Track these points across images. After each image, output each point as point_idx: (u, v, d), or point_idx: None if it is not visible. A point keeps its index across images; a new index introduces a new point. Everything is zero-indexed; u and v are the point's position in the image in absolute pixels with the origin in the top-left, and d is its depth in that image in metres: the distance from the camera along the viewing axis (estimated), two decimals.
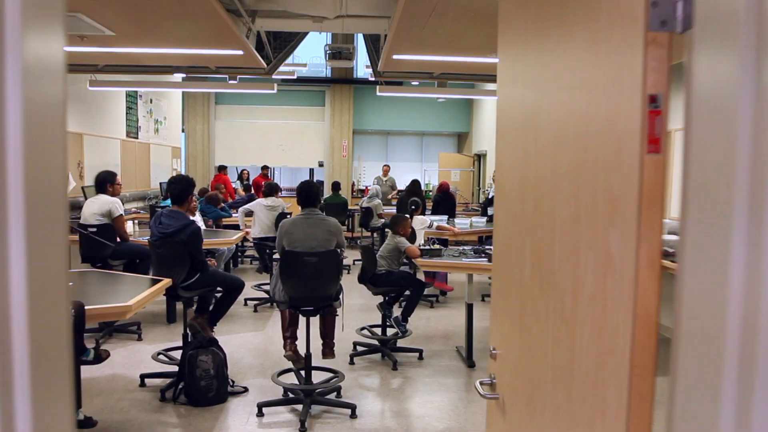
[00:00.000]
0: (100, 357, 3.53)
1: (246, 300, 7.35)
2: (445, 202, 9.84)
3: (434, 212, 9.50)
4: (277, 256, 4.38)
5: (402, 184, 14.98)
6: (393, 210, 11.05)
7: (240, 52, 5.05)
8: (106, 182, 6.17)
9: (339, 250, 4.24)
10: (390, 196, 13.52)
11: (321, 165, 15.77)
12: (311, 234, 4.13)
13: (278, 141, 15.47)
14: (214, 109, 15.44)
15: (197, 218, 7.63)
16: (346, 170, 15.51)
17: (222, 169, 13.07)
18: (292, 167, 16.30)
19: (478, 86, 12.71)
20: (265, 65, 5.85)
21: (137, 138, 10.94)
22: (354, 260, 9.92)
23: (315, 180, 16.33)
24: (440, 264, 5.07)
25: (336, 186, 11.29)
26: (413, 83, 9.55)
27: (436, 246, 5.41)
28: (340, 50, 10.77)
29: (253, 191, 10.99)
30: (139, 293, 3.71)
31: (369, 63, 13.29)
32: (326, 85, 15.44)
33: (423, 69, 6.40)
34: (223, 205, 8.98)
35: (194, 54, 5.00)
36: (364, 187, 16.15)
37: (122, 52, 5.17)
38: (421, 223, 7.33)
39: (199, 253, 4.47)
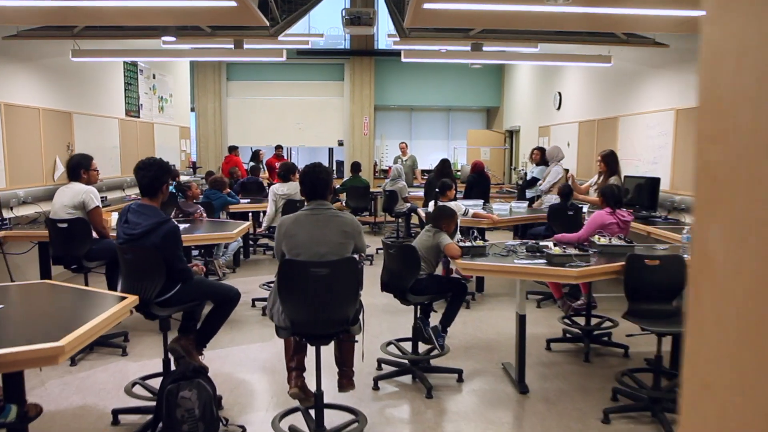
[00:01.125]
0: (26, 415, 2.58)
1: (254, 301, 6.39)
2: (479, 184, 8.74)
3: (467, 195, 8.42)
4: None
5: (427, 164, 13.90)
6: (418, 192, 9.99)
7: (232, 3, 4.01)
8: (79, 167, 5.21)
9: (358, 257, 3.23)
10: (413, 177, 12.45)
11: (341, 144, 14.73)
12: (320, 237, 3.15)
13: (295, 119, 14.44)
14: (225, 86, 14.45)
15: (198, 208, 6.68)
16: (367, 149, 14.46)
17: (233, 149, 12.11)
18: (309, 147, 15.28)
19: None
20: (268, 24, 4.81)
21: (138, 117, 9.99)
22: (377, 249, 8.91)
23: (335, 161, 15.38)
24: (488, 268, 4.00)
25: (356, 167, 10.31)
26: (441, 49, 8.38)
27: (479, 242, 4.35)
28: (359, 15, 9.68)
29: (256, 174, 9.97)
30: (90, 320, 2.74)
31: (391, 30, 12.17)
32: (345, 57, 14.34)
33: (459, 24, 5.28)
34: (229, 190, 8.00)
35: (177, 6, 3.98)
36: (386, 168, 15.08)
37: (89, 5, 4.16)
38: (455, 207, 6.25)
39: (177, 258, 3.49)
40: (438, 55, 7.79)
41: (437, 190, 6.49)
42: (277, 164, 12.06)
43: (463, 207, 6.34)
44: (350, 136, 14.43)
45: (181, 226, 5.64)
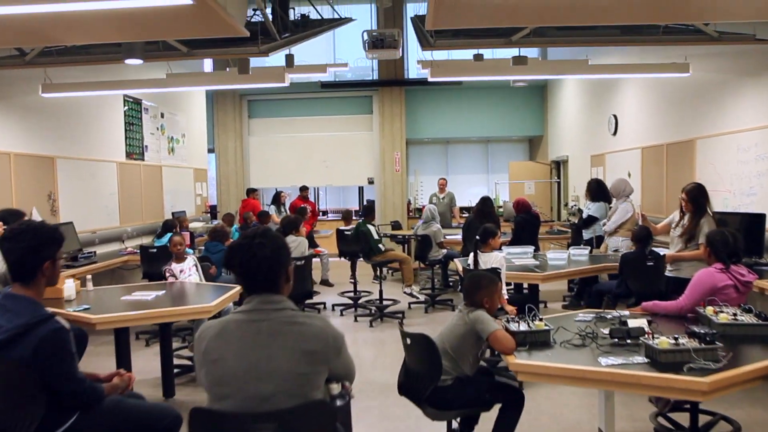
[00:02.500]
0: None
1: None
2: (527, 226, 7.44)
3: (515, 241, 7.12)
4: None
5: (465, 200, 12.62)
6: (456, 236, 8.71)
7: (187, 2, 2.90)
8: None
9: (334, 396, 2.00)
10: (451, 216, 11.19)
11: (371, 182, 13.60)
12: (262, 363, 1.86)
13: (321, 156, 13.40)
14: (247, 124, 13.54)
15: (187, 264, 5.54)
16: (400, 186, 13.28)
17: (252, 192, 11.08)
18: (338, 186, 14.19)
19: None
20: (246, 33, 3.69)
21: (143, 159, 9.04)
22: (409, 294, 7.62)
23: (365, 200, 14.24)
24: (561, 372, 2.59)
25: (367, 210, 8.34)
26: (478, 53, 7.06)
27: (540, 323, 3.01)
28: (382, 37, 8.61)
29: (265, 220, 8.83)
30: None
31: (421, 56, 11.08)
32: (373, 89, 13.29)
33: (494, 21, 4.06)
34: (232, 240, 6.88)
35: (114, 9, 2.92)
36: (421, 206, 13.84)
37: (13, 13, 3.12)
38: (497, 262, 4.95)
39: (63, 377, 2.32)
40: (472, 70, 6.55)
41: (477, 237, 5.21)
42: (302, 205, 11.00)
43: (504, 261, 5.01)
44: (381, 173, 13.29)
45: (151, 295, 4.54)
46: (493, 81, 13.20)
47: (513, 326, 2.98)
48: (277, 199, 11.14)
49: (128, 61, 4.74)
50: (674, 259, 4.88)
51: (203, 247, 6.95)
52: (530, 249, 6.35)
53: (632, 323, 2.92)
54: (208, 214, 11.13)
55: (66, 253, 6.43)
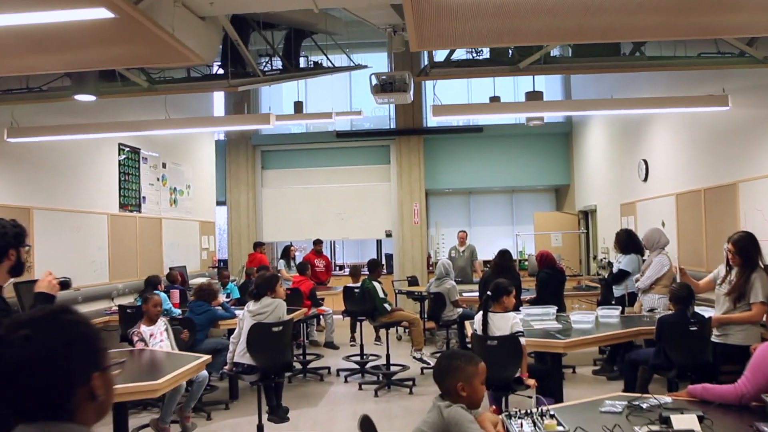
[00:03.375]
0: None
1: None
2: (553, 282, 6.67)
3: (539, 300, 6.35)
4: None
5: (489, 253, 11.83)
6: (477, 293, 7.94)
7: (105, 13, 2.34)
8: None
9: None
10: (473, 271, 10.42)
11: (389, 235, 12.93)
12: None
13: (336, 208, 12.82)
14: (260, 175, 13.10)
15: (158, 328, 4.89)
16: (419, 239, 12.58)
17: (259, 246, 10.49)
18: (354, 239, 13.56)
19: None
20: (196, 59, 3.12)
21: (139, 212, 8.56)
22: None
23: (383, 254, 13.54)
24: None
25: (372, 266, 7.67)
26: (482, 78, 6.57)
27: (552, 423, 2.20)
28: (391, 80, 8.11)
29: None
30: None
31: (437, 101, 10.56)
32: (391, 137, 12.79)
33: (486, 42, 3.39)
34: (223, 300, 6.23)
35: (32, 26, 2.38)
36: None
37: None
38: (510, 325, 4.18)
39: None
40: (477, 109, 5.93)
41: (488, 294, 4.45)
42: (316, 261, 10.36)
43: (519, 320, 4.24)
44: (399, 226, 12.63)
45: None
46: (514, 127, 12.63)
47: (514, 427, 2.22)
48: (287, 253, 10.54)
49: (78, 97, 4.25)
50: (722, 323, 4.07)
51: (187, 310, 6.32)
52: (552, 309, 5.56)
53: (677, 421, 2.14)
54: (215, 269, 10.55)
55: None
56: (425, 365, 7.03)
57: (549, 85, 12.02)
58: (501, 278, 6.33)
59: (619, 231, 6.95)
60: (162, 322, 4.94)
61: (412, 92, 8.21)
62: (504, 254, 6.95)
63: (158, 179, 9.18)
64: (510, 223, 13.78)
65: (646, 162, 8.15)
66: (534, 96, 7.42)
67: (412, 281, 10.53)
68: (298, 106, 9.11)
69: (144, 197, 8.72)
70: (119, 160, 8.14)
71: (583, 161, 11.52)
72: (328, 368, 7.40)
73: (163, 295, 6.41)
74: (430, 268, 12.86)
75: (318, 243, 10.80)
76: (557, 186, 13.14)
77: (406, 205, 12.58)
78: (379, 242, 13.54)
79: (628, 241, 6.58)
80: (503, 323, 4.13)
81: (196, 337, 5.77)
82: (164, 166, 9.37)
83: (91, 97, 4.28)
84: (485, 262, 11.18)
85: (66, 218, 6.97)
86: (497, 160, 12.73)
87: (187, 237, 10.02)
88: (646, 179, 8.17)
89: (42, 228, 6.53)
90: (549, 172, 12.70)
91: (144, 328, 4.81)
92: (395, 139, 12.68)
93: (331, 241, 13.64)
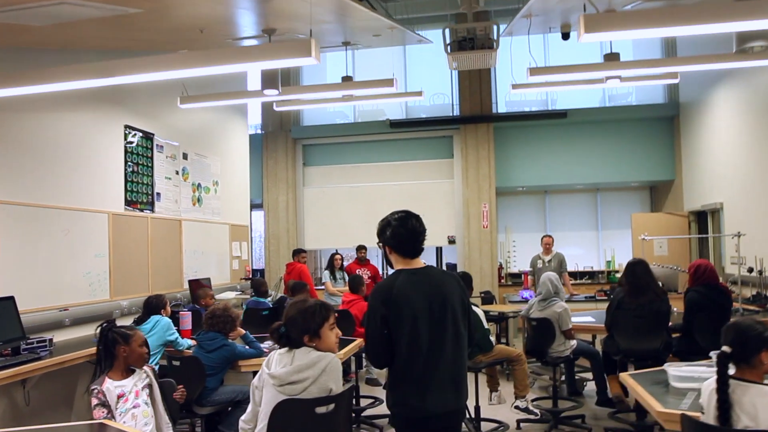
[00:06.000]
0: None
1: None
2: (712, 309, 4.67)
3: (687, 330, 4.36)
4: None
5: (572, 264, 9.73)
6: (580, 317, 5.92)
7: None
8: None
9: None
10: (564, 289, 8.36)
11: (452, 242, 10.97)
12: None
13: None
14: (301, 173, 11.33)
15: (131, 385, 3.06)
16: (488, 246, 10.58)
17: (298, 254, 8.66)
18: None
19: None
20: None
21: (152, 211, 6.83)
22: None
23: (445, 264, 11.54)
24: None
25: (464, 281, 5.35)
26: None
27: None
28: (471, 35, 6.23)
29: (296, 291, 6.29)
30: None
31: (516, 79, 8.59)
32: (454, 127, 10.84)
33: None
34: (245, 332, 4.36)
35: None
36: (519, 272, 11.05)
37: None
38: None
39: None
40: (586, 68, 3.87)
41: (726, 351, 2.38)
42: (358, 272, 8.51)
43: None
44: (465, 230, 10.66)
45: None
46: (603, 112, 10.55)
47: None
48: (332, 263, 8.70)
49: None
50: None
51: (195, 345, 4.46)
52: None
53: None
54: (248, 281, 8.76)
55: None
56: (532, 416, 5.02)
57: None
58: (641, 299, 4.38)
59: None
60: (143, 376, 3.09)
61: (497, 55, 6.27)
62: (637, 265, 4.91)
63: (177, 173, 7.45)
64: (594, 227, 11.67)
65: None
66: (612, 57, 6.07)
67: (487, 298, 8.52)
68: (347, 81, 7.29)
69: (158, 193, 7.00)
70: (125, 146, 6.43)
71: (698, 151, 9.33)
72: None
73: (165, 321, 4.62)
74: (501, 281, 10.86)
75: (361, 250, 8.93)
76: (655, 182, 10.96)
77: (473, 206, 10.61)
78: (439, 250, 11.58)
79: None
80: (764, 404, 2.13)
81: (206, 384, 3.93)
82: (185, 157, 7.65)
83: None
84: (572, 275, 9.08)
85: (46, 216, 5.26)
86: (581, 152, 10.65)
87: (214, 242, 8.26)
88: None
89: (10, 230, 4.82)
90: (645, 165, 10.54)
91: (110, 385, 2.97)
92: (459, 129, 10.72)
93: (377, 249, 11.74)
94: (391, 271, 2.78)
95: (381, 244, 2.78)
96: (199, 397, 3.87)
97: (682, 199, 9.97)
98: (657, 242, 9.45)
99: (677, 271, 7.77)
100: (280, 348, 2.49)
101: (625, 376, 3.21)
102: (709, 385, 2.28)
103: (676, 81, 7.75)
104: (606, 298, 7.98)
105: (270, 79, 5.77)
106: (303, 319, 2.48)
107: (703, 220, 9.34)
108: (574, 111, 10.28)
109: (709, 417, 2.23)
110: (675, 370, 3.01)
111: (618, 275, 11.03)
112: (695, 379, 2.93)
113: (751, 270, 6.37)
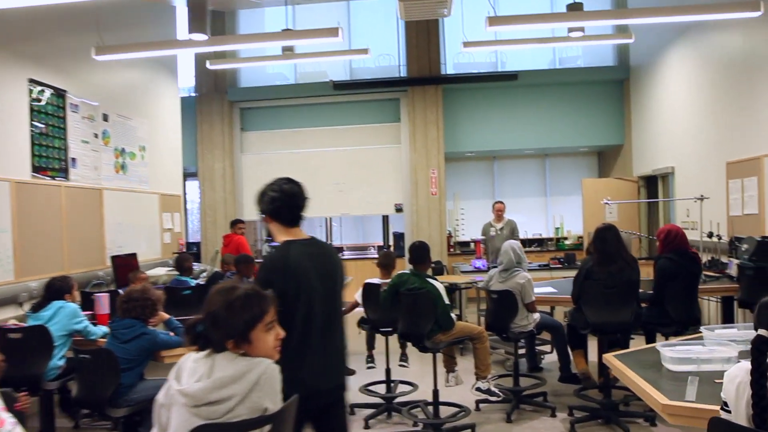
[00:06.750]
0: None
1: None
2: (683, 276, 4.39)
3: (657, 300, 4.04)
4: None
5: (521, 232, 9.42)
6: (541, 289, 5.57)
7: None
8: None
9: None
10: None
11: (399, 210, 10.51)
12: None
13: (334, 178, 10.35)
14: (239, 138, 10.59)
15: None
16: (437, 215, 10.18)
17: (236, 224, 8.02)
18: (355, 216, 11.11)
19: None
20: None
21: (66, 179, 6.06)
22: None
23: (392, 234, 11.07)
24: None
25: (420, 254, 4.61)
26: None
27: None
28: None
29: (242, 269, 5.74)
30: None
31: (468, 37, 8.10)
32: (401, 89, 10.30)
33: None
34: (169, 317, 3.76)
35: None
36: (469, 241, 10.73)
37: None
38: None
39: None
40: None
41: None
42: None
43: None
44: (413, 198, 10.21)
45: None
46: (554, 74, 10.23)
47: None
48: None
49: None
50: None
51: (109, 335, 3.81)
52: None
53: None
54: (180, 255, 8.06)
55: None
56: (495, 398, 4.62)
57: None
58: (611, 268, 4.07)
59: None
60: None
61: (452, 3, 5.74)
62: (607, 232, 4.55)
63: (96, 136, 6.66)
64: (542, 194, 11.46)
65: None
66: (575, 7, 5.85)
67: (437, 269, 8.12)
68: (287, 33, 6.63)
69: (74, 159, 6.21)
70: (31, 104, 5.62)
71: (648, 115, 9.12)
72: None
73: (71, 307, 3.97)
74: (451, 250, 10.52)
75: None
76: (603, 148, 10.78)
77: (421, 172, 10.16)
78: (385, 219, 11.11)
79: None
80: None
81: (122, 380, 3.34)
82: (106, 118, 6.85)
83: None
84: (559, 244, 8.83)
85: None
86: (530, 116, 10.32)
87: (141, 214, 7.53)
88: None
89: None
90: (594, 130, 10.31)
91: None
92: (407, 91, 10.19)
93: (326, 219, 11.20)
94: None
95: (261, 215, 2.59)
96: (113, 396, 3.27)
97: (631, 165, 9.81)
98: (608, 208, 9.24)
99: (630, 236, 7.58)
100: (197, 351, 1.90)
101: (611, 359, 2.82)
102: (736, 377, 1.88)
103: (631, 41, 7.48)
104: (561, 266, 7.72)
105: (198, 21, 5.06)
106: (227, 316, 1.83)
107: (653, 184, 9.19)
108: (524, 73, 9.88)
109: (739, 416, 1.83)
110: (669, 350, 2.62)
111: (567, 242, 10.88)
112: (693, 360, 2.56)
113: (711, 235, 6.16)
